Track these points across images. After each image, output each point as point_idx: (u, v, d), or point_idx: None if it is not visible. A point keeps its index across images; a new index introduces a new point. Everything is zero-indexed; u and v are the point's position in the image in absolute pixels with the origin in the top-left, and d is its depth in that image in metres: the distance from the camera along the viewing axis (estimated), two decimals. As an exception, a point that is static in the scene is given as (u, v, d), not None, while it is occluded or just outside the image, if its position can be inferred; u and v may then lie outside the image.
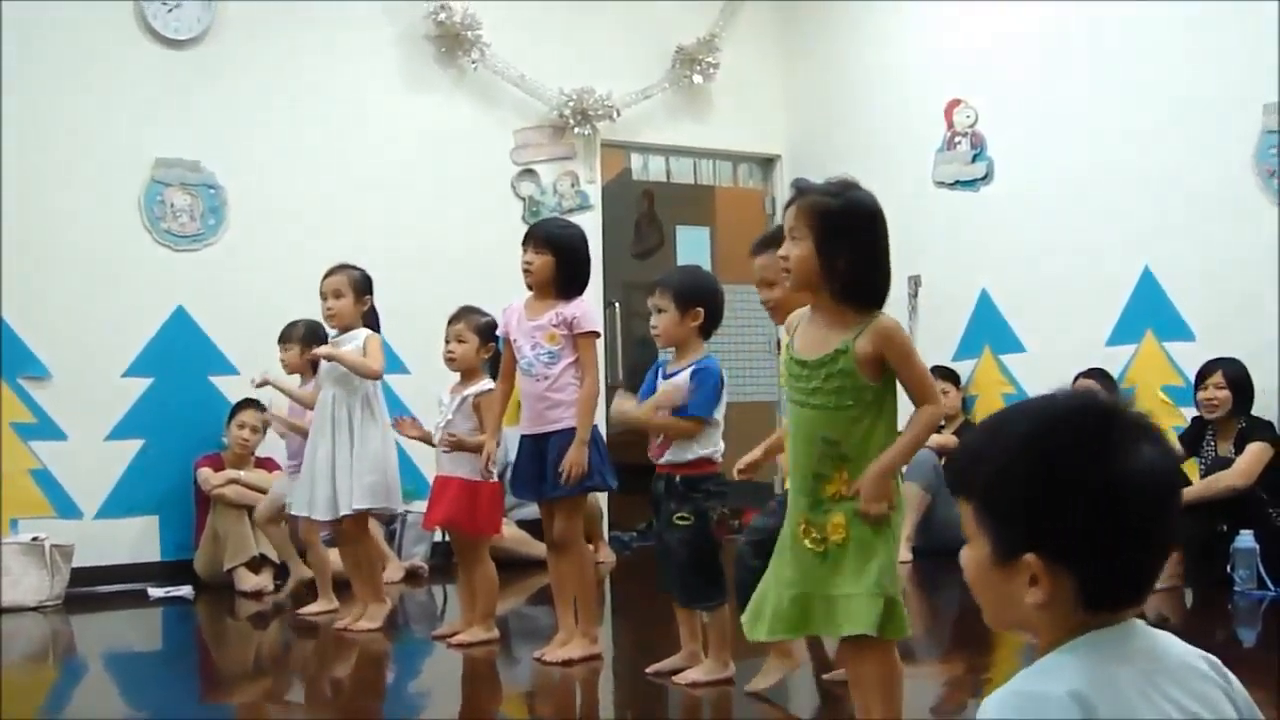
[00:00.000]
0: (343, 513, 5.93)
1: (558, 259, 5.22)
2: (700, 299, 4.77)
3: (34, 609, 6.82)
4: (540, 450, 5.19)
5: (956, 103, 8.40)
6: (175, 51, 7.88)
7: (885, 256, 3.31)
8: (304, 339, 6.89)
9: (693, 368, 4.68)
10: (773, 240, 4.07)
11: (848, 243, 3.23)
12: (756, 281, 4.35)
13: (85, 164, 7.60)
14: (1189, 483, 6.47)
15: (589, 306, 5.31)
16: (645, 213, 12.18)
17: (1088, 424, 1.50)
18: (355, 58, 8.37)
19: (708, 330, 4.82)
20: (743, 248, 9.62)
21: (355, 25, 8.37)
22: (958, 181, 8.42)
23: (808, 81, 9.52)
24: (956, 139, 8.41)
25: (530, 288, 5.28)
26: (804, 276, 3.27)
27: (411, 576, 7.68)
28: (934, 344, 7.99)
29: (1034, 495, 1.47)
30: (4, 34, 7.43)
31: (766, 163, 9.75)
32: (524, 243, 5.29)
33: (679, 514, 4.65)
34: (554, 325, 5.14)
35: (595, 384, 5.17)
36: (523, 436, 5.27)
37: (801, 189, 3.36)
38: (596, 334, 5.29)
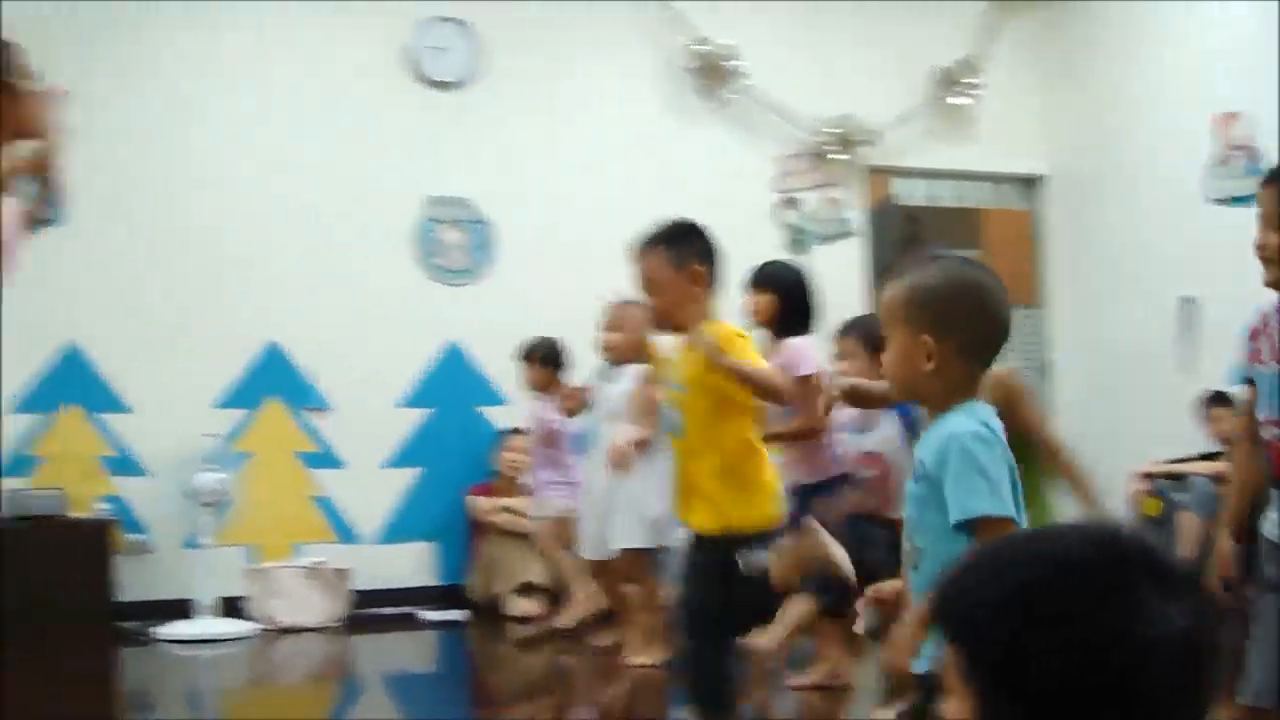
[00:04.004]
0: (611, 551, 5.99)
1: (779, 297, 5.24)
2: None
3: (316, 630, 7.09)
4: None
5: (1231, 115, 8.05)
6: (444, 94, 8.15)
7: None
8: (544, 358, 7.06)
9: None
10: None
11: None
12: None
13: (361, 204, 7.90)
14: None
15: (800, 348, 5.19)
16: (910, 238, 12.04)
17: (1108, 576, 1.25)
18: (616, 92, 8.51)
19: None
20: (1010, 269, 9.45)
21: (616, 60, 8.52)
22: (1233, 198, 8.05)
23: (1072, 98, 9.26)
24: (1230, 152, 8.06)
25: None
26: None
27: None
28: (1214, 367, 7.65)
29: (1032, 674, 1.22)
30: (284, 80, 7.84)
31: (1032, 183, 9.53)
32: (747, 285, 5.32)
33: None
34: None
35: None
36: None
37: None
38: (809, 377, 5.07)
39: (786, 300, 5.25)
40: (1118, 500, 7.27)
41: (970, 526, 2.41)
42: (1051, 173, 9.38)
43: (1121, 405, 8.54)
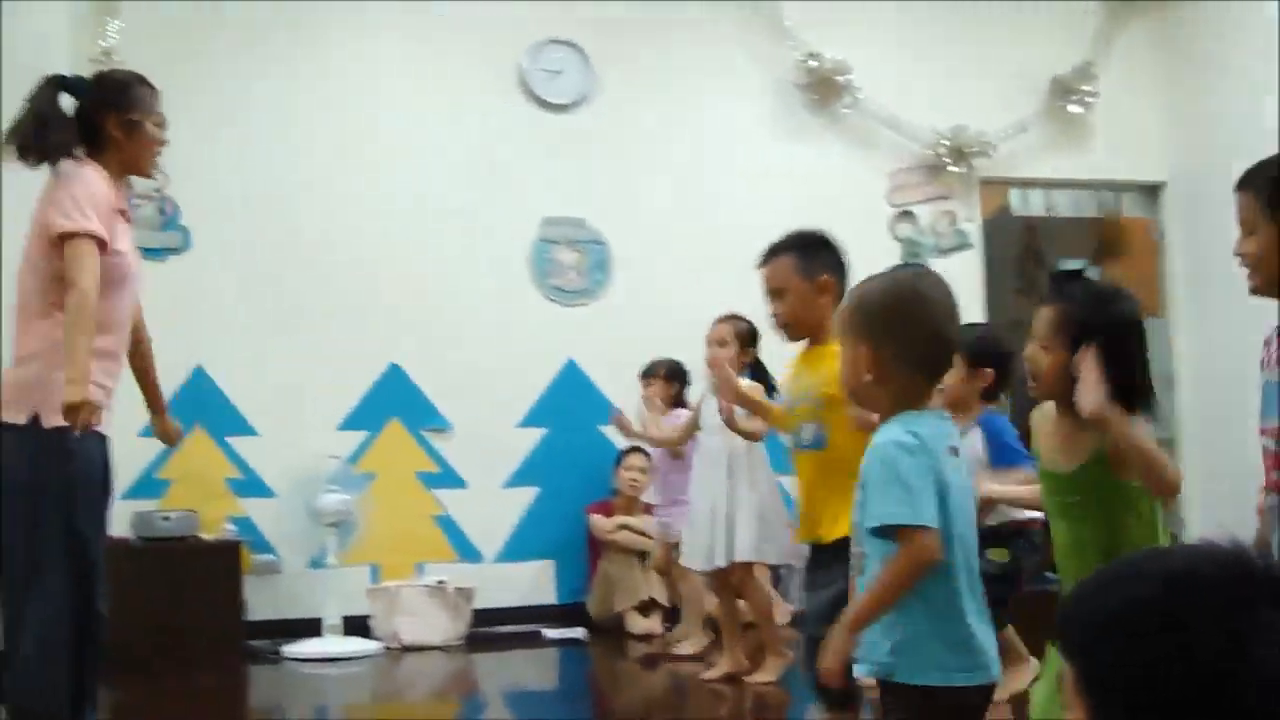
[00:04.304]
0: (717, 564, 6.00)
1: None
2: (989, 360, 4.70)
3: (438, 648, 7.16)
4: None
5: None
6: (558, 115, 8.23)
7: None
8: (667, 375, 7.15)
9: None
10: None
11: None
12: None
13: (478, 226, 7.99)
14: None
15: None
16: (1028, 249, 11.92)
17: (1227, 596, 1.23)
18: (728, 110, 8.53)
19: (994, 393, 4.74)
20: (1132, 278, 9.30)
21: (727, 78, 8.54)
22: (1363, 200, 7.84)
23: (1191, 102, 9.06)
24: (1361, 155, 7.84)
25: None
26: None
27: (797, 622, 7.69)
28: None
29: (1142, 687, 1.23)
30: (400, 104, 7.97)
31: (1151, 190, 9.38)
32: None
33: None
34: None
35: None
36: None
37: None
38: None
39: None
40: (1245, 513, 7.13)
41: (886, 533, 2.49)
42: (1172, 179, 9.23)
43: (1248, 417, 8.37)
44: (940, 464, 2.52)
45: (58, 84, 3.99)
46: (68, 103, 4.00)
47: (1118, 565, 1.35)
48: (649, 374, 7.32)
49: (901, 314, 2.64)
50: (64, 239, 3.69)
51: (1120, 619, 1.26)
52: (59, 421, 3.64)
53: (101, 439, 3.82)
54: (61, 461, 3.66)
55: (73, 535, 3.69)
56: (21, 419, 3.67)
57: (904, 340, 2.61)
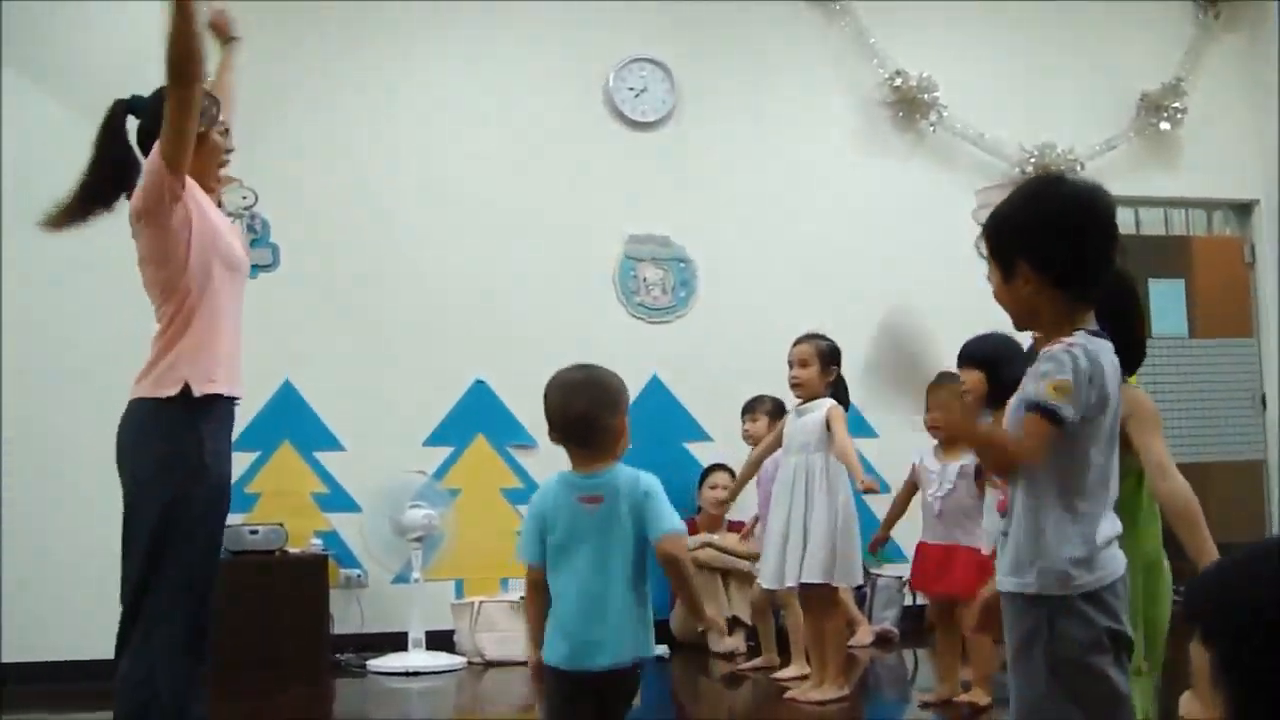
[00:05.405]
0: (788, 584, 5.98)
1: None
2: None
3: (521, 663, 7.01)
4: None
5: None
6: (642, 133, 8.26)
7: None
8: (771, 412, 7.07)
9: None
10: None
11: None
12: None
13: (563, 242, 8.04)
14: None
15: None
16: (1117, 268, 11.78)
17: None
18: (812, 128, 8.52)
19: None
20: (1222, 298, 9.18)
21: (811, 96, 8.54)
22: None
23: (1283, 119, 8.96)
24: None
25: None
26: None
27: (882, 641, 7.64)
28: None
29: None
30: (487, 122, 8.02)
31: (1243, 208, 9.26)
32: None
33: None
34: None
35: None
36: None
37: None
38: None
39: (994, 375, 5.08)
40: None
41: None
42: (1264, 197, 9.10)
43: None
44: (549, 512, 3.45)
45: (125, 108, 4.02)
46: (133, 124, 4.03)
47: (1258, 551, 1.35)
48: (752, 409, 7.27)
49: (546, 395, 3.51)
50: None
51: (1265, 607, 1.27)
52: (208, 390, 3.89)
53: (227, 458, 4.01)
54: (196, 476, 3.84)
55: (202, 539, 3.88)
56: (173, 391, 3.83)
57: (548, 416, 3.52)
